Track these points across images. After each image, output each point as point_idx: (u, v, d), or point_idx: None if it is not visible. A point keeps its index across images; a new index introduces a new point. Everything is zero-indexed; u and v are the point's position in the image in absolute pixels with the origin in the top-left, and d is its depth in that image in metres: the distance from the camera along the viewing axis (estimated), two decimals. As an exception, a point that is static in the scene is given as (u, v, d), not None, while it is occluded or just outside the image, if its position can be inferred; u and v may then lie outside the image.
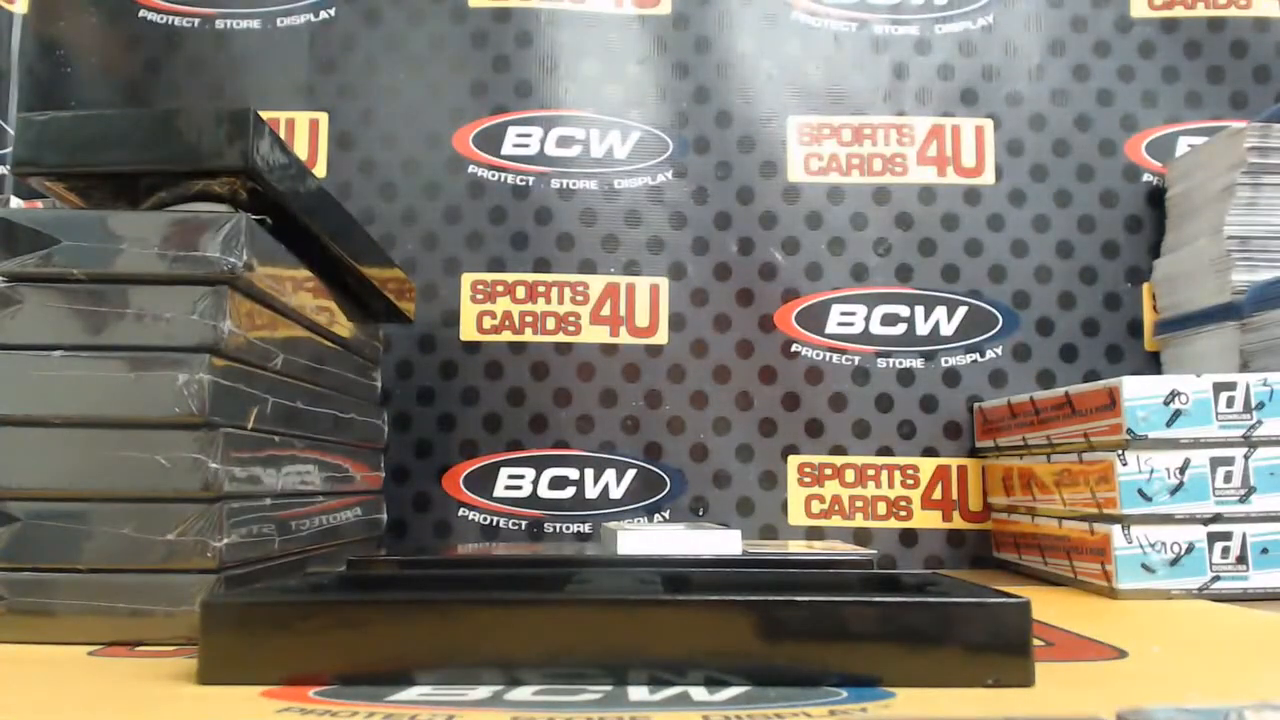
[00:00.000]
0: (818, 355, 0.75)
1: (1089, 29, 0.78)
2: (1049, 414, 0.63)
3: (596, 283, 0.76)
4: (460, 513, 0.75)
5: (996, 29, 0.79)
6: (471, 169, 0.77)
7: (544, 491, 0.75)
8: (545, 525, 0.74)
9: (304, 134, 0.77)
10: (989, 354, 0.76)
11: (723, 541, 0.54)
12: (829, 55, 0.79)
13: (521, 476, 0.75)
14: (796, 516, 0.75)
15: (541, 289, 0.76)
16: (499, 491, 0.75)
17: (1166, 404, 0.55)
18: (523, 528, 0.74)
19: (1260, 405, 0.55)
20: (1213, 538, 0.55)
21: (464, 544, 0.72)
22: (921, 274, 0.76)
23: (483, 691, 0.32)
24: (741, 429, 0.75)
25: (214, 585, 0.42)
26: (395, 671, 0.33)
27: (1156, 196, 0.77)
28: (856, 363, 0.75)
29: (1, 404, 0.41)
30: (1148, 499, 0.55)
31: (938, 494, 0.75)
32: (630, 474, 0.75)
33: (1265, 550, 0.55)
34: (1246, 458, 0.55)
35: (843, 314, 0.76)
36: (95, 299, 0.42)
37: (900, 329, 0.76)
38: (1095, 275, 0.77)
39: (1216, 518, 0.55)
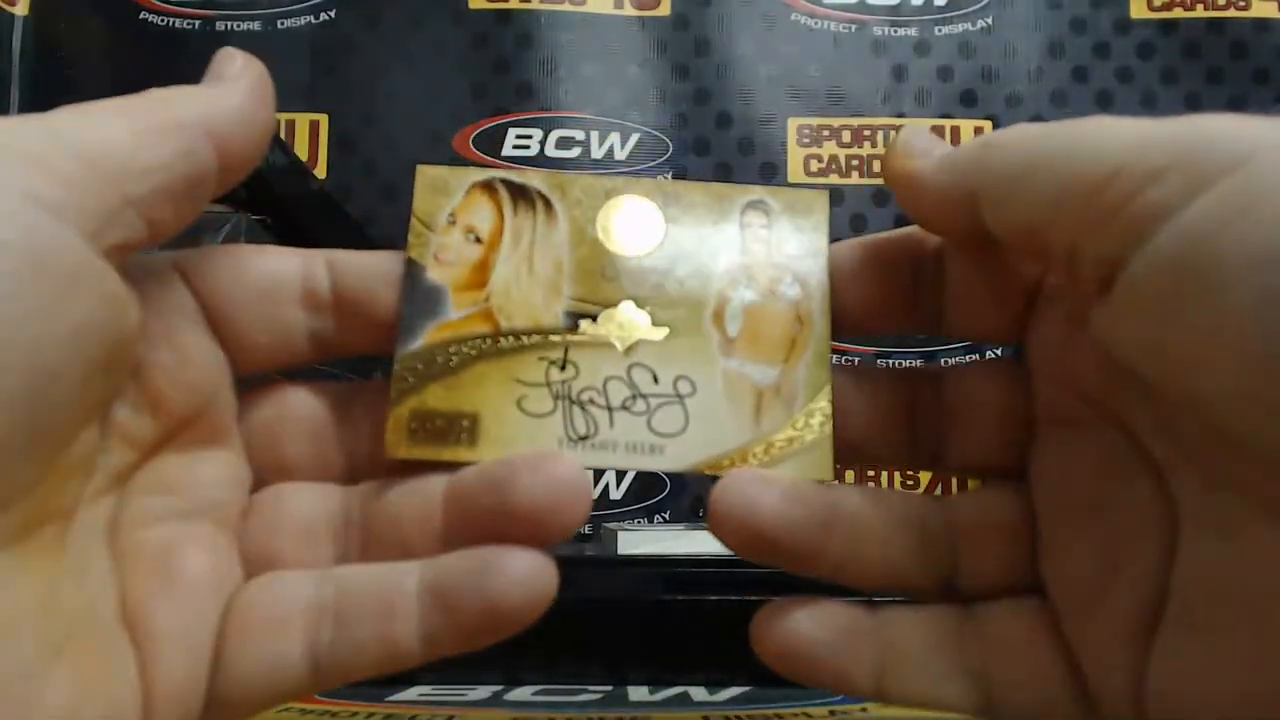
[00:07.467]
0: (818, 356, 0.75)
1: (1088, 31, 0.79)
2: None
3: (596, 284, 0.76)
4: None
5: (996, 31, 0.79)
6: (472, 170, 0.77)
7: (544, 492, 0.75)
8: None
9: (304, 136, 0.77)
10: (989, 355, 0.76)
11: (723, 542, 0.54)
12: (828, 57, 0.79)
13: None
14: (796, 517, 0.74)
15: (542, 290, 0.76)
16: (499, 492, 0.75)
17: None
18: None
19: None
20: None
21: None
22: (921, 275, 0.77)
23: (483, 691, 0.32)
24: (741, 430, 0.75)
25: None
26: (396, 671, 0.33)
27: (1156, 198, 0.77)
28: (856, 363, 0.75)
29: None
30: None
31: (937, 494, 0.75)
32: (630, 475, 0.75)
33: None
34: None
35: (842, 315, 0.76)
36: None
37: (900, 330, 0.76)
38: (1095, 276, 0.77)
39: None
